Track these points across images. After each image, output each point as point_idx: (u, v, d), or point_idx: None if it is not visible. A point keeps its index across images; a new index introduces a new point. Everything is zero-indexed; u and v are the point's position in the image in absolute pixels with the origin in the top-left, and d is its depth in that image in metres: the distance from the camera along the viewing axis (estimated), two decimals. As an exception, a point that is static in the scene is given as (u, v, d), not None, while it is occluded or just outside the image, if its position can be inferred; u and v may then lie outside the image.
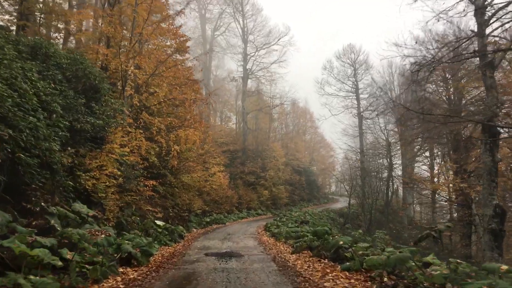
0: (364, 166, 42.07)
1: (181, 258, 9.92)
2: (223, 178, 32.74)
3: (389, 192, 45.89)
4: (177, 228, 17.04)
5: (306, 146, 56.46)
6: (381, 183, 42.48)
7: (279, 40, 45.39)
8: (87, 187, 11.93)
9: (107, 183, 12.46)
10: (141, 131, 17.57)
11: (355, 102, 42.80)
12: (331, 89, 42.89)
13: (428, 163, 48.84)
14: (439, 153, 45.72)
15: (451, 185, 30.67)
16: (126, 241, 8.80)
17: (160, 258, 9.63)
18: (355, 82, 42.70)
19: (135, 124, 17.73)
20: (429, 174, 48.09)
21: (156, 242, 12.34)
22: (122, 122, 16.42)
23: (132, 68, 17.40)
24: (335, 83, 42.98)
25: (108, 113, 13.93)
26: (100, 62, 17.53)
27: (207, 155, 33.00)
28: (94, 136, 13.14)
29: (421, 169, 49.11)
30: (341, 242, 8.22)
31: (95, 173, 12.03)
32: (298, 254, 10.13)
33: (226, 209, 32.69)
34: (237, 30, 46.97)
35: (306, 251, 10.34)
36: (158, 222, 12.46)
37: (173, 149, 18.83)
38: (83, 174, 11.84)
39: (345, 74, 42.94)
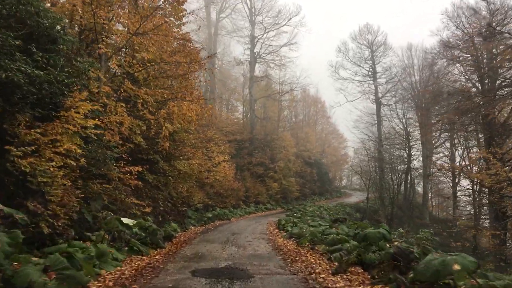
0: (383, 156, 37.73)
1: (149, 282, 5.85)
2: (228, 169, 28.82)
3: (408, 185, 41.65)
4: (166, 227, 13.03)
5: (317, 137, 52.13)
6: (398, 175, 38.13)
7: (289, 20, 41.06)
8: (23, 168, 7.92)
9: (55, 163, 8.43)
10: (123, 104, 13.55)
11: (373, 87, 38.47)
12: (346, 73, 38.62)
13: (448, 154, 44.69)
14: (461, 142, 41.62)
15: (490, 174, 26.23)
16: (36, 259, 4.74)
17: (110, 284, 5.54)
18: (372, 66, 38.35)
19: (115, 95, 13.70)
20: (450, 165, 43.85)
21: (127, 249, 8.29)
22: (97, 90, 12.51)
23: (109, 22, 13.34)
24: (351, 66, 38.74)
25: (67, 69, 9.92)
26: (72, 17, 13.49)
27: (210, 143, 29.03)
28: (45, 100, 9.15)
29: (442, 160, 44.84)
30: (457, 267, 4.03)
31: (32, 148, 8.01)
32: (345, 276, 6.01)
33: (232, 203, 28.66)
34: (244, 11, 42.74)
35: (355, 269, 6.23)
36: (125, 221, 8.28)
37: (164, 127, 14.74)
38: (15, 149, 7.82)
39: (362, 56, 38.65)
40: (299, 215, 19.95)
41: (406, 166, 43.18)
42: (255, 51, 41.93)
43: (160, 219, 15.14)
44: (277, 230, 15.54)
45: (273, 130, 41.77)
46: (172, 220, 16.76)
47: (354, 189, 62.57)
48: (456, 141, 42.93)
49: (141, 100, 14.28)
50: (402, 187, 41.54)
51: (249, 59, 41.71)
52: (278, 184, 37.28)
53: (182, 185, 17.78)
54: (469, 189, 41.15)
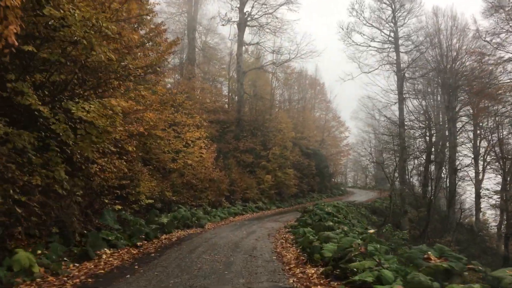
0: (405, 144, 28.30)
1: None
2: (206, 151, 18.98)
3: (432, 181, 32.42)
4: None
5: (315, 125, 42.35)
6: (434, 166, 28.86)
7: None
8: None
9: None
10: None
11: (393, 56, 28.95)
12: (361, 38, 29.06)
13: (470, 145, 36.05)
14: (491, 129, 33.20)
15: None
16: None
17: None
18: (394, 29, 28.86)
19: None
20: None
21: None
22: None
23: None
24: (367, 30, 29.38)
25: None
26: None
27: (180, 112, 19.08)
28: None
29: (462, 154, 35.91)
30: None
31: None
32: None
33: (210, 200, 18.78)
34: (232, -38, 32.68)
35: None
36: None
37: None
38: None
39: (381, 17, 29.07)
40: (333, 220, 10.12)
41: (425, 158, 34.07)
42: (245, 11, 32.07)
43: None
44: (315, 272, 5.67)
45: (266, 110, 31.88)
46: (54, 233, 6.76)
47: (353, 186, 53.29)
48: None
49: None
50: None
51: (238, 21, 31.78)
52: (272, 176, 27.45)
53: (88, 152, 7.68)
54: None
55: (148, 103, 12.56)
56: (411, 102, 33.55)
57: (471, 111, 32.85)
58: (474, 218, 35.41)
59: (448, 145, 31.93)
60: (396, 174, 29.17)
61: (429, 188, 34.52)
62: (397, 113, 33.04)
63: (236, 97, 32.72)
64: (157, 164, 16.24)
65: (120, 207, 10.67)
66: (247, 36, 34.21)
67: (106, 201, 10.53)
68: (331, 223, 9.88)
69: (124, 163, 10.52)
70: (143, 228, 9.13)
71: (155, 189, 13.53)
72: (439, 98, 34.61)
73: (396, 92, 28.31)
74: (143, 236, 8.79)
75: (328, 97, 45.05)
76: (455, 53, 31.58)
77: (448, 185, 31.66)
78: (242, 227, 13.68)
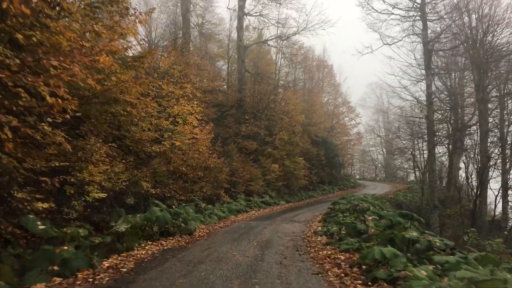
0: (433, 128, 23.67)
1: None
2: (199, 131, 14.36)
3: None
4: None
5: (323, 111, 37.42)
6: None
7: None
8: None
9: None
10: None
11: (420, 25, 24.18)
12: (381, 5, 24.36)
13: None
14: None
15: None
16: None
17: None
18: (420, -6, 24.12)
19: None
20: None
21: None
22: None
23: None
24: (388, -5, 24.32)
25: None
26: None
27: (165, 79, 14.46)
28: None
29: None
30: None
31: None
32: None
33: (205, 194, 14.16)
34: None
35: None
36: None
37: None
38: None
39: (405, -20, 24.29)
40: (411, 226, 5.51)
41: (451, 144, 29.51)
42: (246, -24, 27.26)
43: None
44: None
45: (270, 91, 27.14)
46: None
47: (362, 178, 48.71)
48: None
49: None
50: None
51: (238, -12, 26.99)
52: (280, 165, 22.85)
53: None
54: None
55: (103, 44, 7.93)
56: (433, 82, 28.96)
57: (496, 93, 28.59)
58: (500, 212, 30.93)
59: (478, 130, 27.35)
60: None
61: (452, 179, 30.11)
62: (417, 94, 28.64)
63: (237, 77, 28.01)
64: (132, 145, 11.63)
65: (44, 206, 6.09)
66: (249, 7, 29.50)
67: (20, 195, 5.96)
68: (414, 234, 5.31)
69: (46, 127, 5.89)
70: (60, 252, 4.49)
71: (119, 176, 8.90)
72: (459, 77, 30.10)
73: (420, 67, 23.69)
74: (56, 268, 4.19)
75: (337, 80, 40.33)
76: (486, 25, 26.93)
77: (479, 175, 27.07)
78: (250, 233, 9.08)
